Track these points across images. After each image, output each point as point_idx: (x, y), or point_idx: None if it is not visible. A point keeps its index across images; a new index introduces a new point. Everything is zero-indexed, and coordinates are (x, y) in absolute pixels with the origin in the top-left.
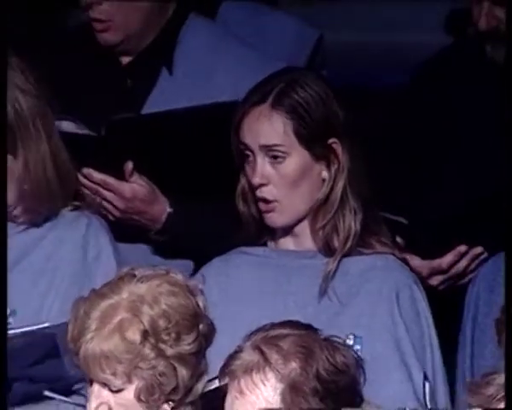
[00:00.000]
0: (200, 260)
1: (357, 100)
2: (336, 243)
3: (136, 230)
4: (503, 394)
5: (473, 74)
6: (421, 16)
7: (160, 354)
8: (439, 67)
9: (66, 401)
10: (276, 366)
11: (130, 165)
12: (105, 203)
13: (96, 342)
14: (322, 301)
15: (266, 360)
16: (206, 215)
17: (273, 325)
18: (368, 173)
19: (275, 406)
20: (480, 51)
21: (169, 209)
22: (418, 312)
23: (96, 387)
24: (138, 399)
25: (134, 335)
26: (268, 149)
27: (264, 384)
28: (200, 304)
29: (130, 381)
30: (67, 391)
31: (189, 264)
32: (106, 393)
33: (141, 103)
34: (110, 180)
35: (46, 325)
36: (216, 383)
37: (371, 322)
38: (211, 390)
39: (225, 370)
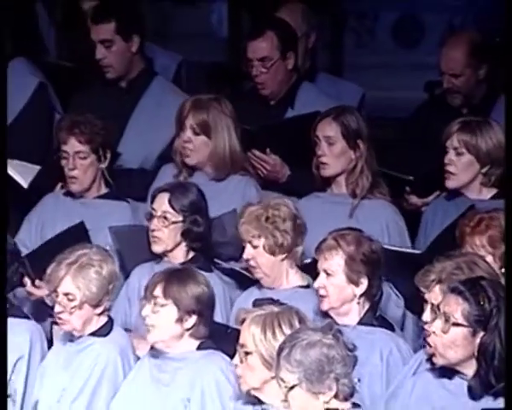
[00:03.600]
0: (300, 197)
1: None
2: (358, 191)
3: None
4: (436, 282)
5: (437, 112)
6: (411, 84)
7: (275, 227)
8: (423, 108)
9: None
10: (343, 247)
11: (268, 150)
12: (260, 167)
13: (246, 219)
14: (351, 221)
15: (339, 244)
16: (302, 176)
17: (341, 229)
18: (376, 159)
19: (342, 266)
20: (441, 101)
21: (289, 172)
22: (399, 229)
23: (246, 247)
24: (264, 248)
25: (262, 215)
26: (327, 139)
27: (337, 255)
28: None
29: (259, 241)
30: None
31: (295, 199)
32: (251, 250)
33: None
34: (262, 155)
35: (227, 212)
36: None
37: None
38: (308, 263)
39: (318, 248)
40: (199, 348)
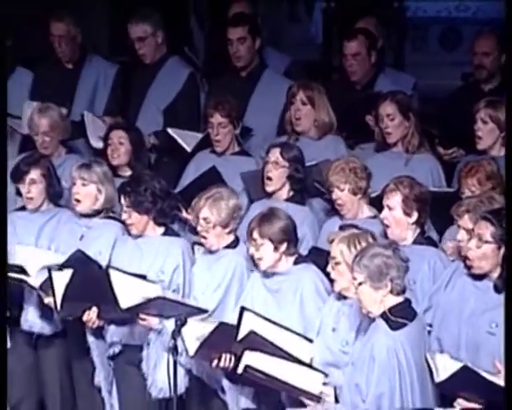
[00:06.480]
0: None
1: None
2: (410, 148)
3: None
4: (466, 211)
5: (469, 94)
6: (451, 75)
7: (356, 175)
8: (459, 92)
9: None
10: (400, 190)
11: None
12: None
13: (334, 171)
14: (405, 169)
15: (398, 187)
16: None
17: (400, 176)
18: (422, 129)
19: (399, 203)
20: (475, 87)
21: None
22: (439, 174)
23: (334, 191)
24: (349, 191)
25: (346, 168)
26: (388, 116)
27: (396, 195)
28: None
29: (345, 185)
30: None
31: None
32: (339, 193)
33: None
34: None
35: (314, 162)
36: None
37: (420, 178)
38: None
39: (383, 190)
40: (295, 263)
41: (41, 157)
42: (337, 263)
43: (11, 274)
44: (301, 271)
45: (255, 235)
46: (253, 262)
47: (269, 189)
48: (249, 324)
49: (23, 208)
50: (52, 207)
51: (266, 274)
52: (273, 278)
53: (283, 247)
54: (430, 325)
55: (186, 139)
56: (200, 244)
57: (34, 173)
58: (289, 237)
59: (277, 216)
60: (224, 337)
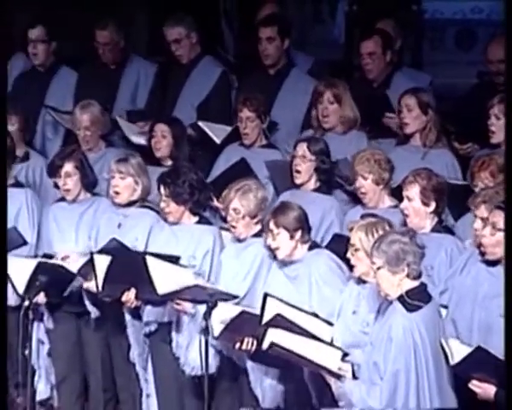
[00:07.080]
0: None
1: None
2: (427, 143)
3: None
4: (482, 202)
5: (483, 91)
6: (467, 74)
7: (380, 166)
8: (474, 89)
9: None
10: (418, 182)
11: None
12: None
13: (359, 161)
14: (422, 162)
15: (416, 179)
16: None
17: (418, 168)
18: (439, 123)
19: (418, 194)
20: (490, 83)
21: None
22: (455, 168)
23: (358, 180)
24: (371, 181)
25: (371, 159)
26: (407, 106)
27: (415, 187)
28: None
29: (368, 175)
30: None
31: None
32: (363, 182)
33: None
34: None
35: (340, 158)
36: None
37: (436, 171)
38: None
39: (403, 182)
40: (309, 249)
41: (73, 151)
42: (356, 250)
43: (50, 261)
44: (314, 256)
45: (271, 225)
46: (272, 252)
47: (297, 181)
48: (273, 309)
49: (62, 199)
50: (89, 196)
51: (284, 263)
52: (290, 266)
53: (298, 234)
54: (446, 307)
55: (215, 132)
56: (227, 230)
57: (68, 166)
58: (303, 225)
59: (290, 207)
60: (246, 324)
